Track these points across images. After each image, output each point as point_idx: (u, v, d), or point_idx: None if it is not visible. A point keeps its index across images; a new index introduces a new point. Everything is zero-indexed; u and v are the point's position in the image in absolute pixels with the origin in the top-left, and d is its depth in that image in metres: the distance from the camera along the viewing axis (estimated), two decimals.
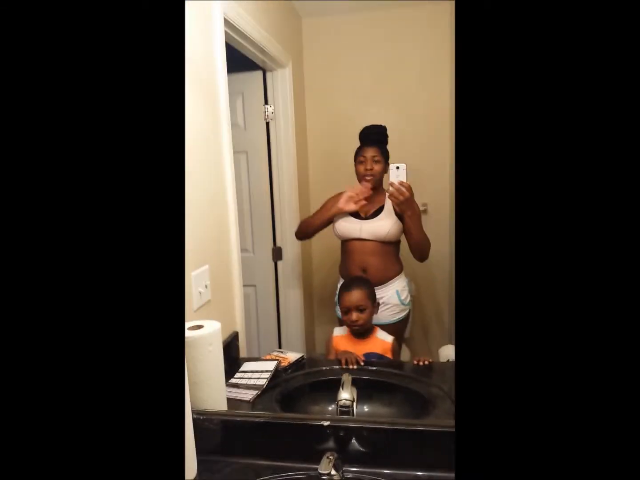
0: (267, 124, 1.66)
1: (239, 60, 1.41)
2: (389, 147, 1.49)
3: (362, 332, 1.27)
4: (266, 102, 1.64)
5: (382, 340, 1.28)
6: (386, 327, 1.43)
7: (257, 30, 1.34)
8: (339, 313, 1.56)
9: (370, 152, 1.46)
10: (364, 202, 1.44)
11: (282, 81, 1.65)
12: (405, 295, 1.51)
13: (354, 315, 1.24)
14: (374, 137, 1.49)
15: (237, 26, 1.19)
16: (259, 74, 1.61)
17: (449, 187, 1.90)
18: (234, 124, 1.60)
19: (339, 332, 1.33)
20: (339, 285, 1.56)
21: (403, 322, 1.52)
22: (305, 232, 1.59)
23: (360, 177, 1.49)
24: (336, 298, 1.56)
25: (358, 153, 1.49)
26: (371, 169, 1.46)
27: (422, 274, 1.81)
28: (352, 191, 1.46)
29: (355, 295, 1.27)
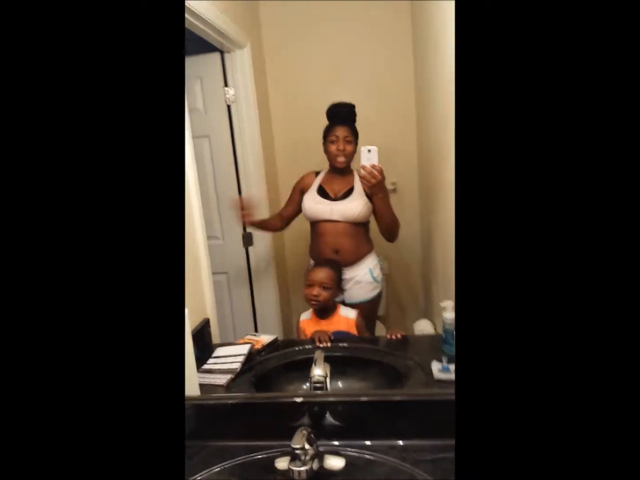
0: (229, 107, 1.62)
1: (195, 42, 1.37)
2: (357, 127, 1.48)
3: (323, 310, 1.28)
4: (226, 85, 1.61)
5: (346, 317, 1.29)
6: (361, 305, 1.44)
7: (211, 11, 1.30)
8: None
9: (342, 132, 1.44)
10: (249, 211, 1.48)
11: (241, 62, 1.61)
12: (377, 272, 1.52)
13: (316, 290, 1.25)
14: (344, 116, 1.46)
15: (190, 7, 1.15)
16: (216, 56, 1.57)
17: (416, 166, 1.91)
18: (193, 109, 1.56)
19: (305, 316, 1.33)
20: (309, 268, 1.57)
21: (377, 299, 1.53)
22: (272, 230, 1.62)
23: (332, 157, 1.47)
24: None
25: (328, 132, 1.46)
26: (343, 150, 1.45)
27: (394, 252, 1.83)
28: (238, 207, 1.49)
29: (323, 273, 1.28)
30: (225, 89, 1.60)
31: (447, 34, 1.16)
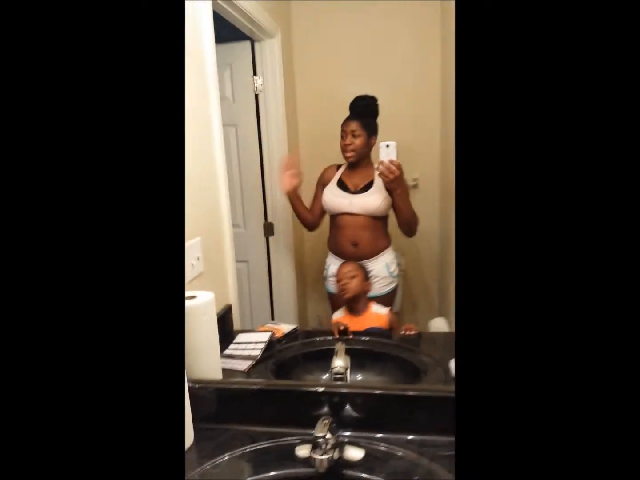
0: (256, 96, 1.63)
1: (226, 30, 1.38)
2: (380, 122, 1.48)
3: (355, 307, 1.30)
4: (255, 74, 1.61)
5: (377, 314, 1.30)
6: (376, 299, 1.45)
7: None
8: (329, 287, 1.58)
9: (350, 126, 1.44)
10: (296, 172, 1.50)
11: (270, 52, 1.61)
12: (393, 267, 1.53)
13: (344, 279, 1.30)
14: (358, 109, 1.46)
15: None
16: (247, 45, 1.57)
17: (439, 163, 1.90)
18: (222, 97, 1.57)
19: (337, 315, 1.36)
20: (327, 261, 1.58)
21: (392, 294, 1.54)
22: (306, 224, 1.60)
23: (342, 152, 1.48)
24: (325, 273, 1.58)
25: (342, 126, 1.47)
26: (350, 144, 1.45)
27: (411, 248, 1.83)
28: (284, 170, 1.51)
29: (347, 266, 1.34)
30: (254, 77, 1.60)
31: None
